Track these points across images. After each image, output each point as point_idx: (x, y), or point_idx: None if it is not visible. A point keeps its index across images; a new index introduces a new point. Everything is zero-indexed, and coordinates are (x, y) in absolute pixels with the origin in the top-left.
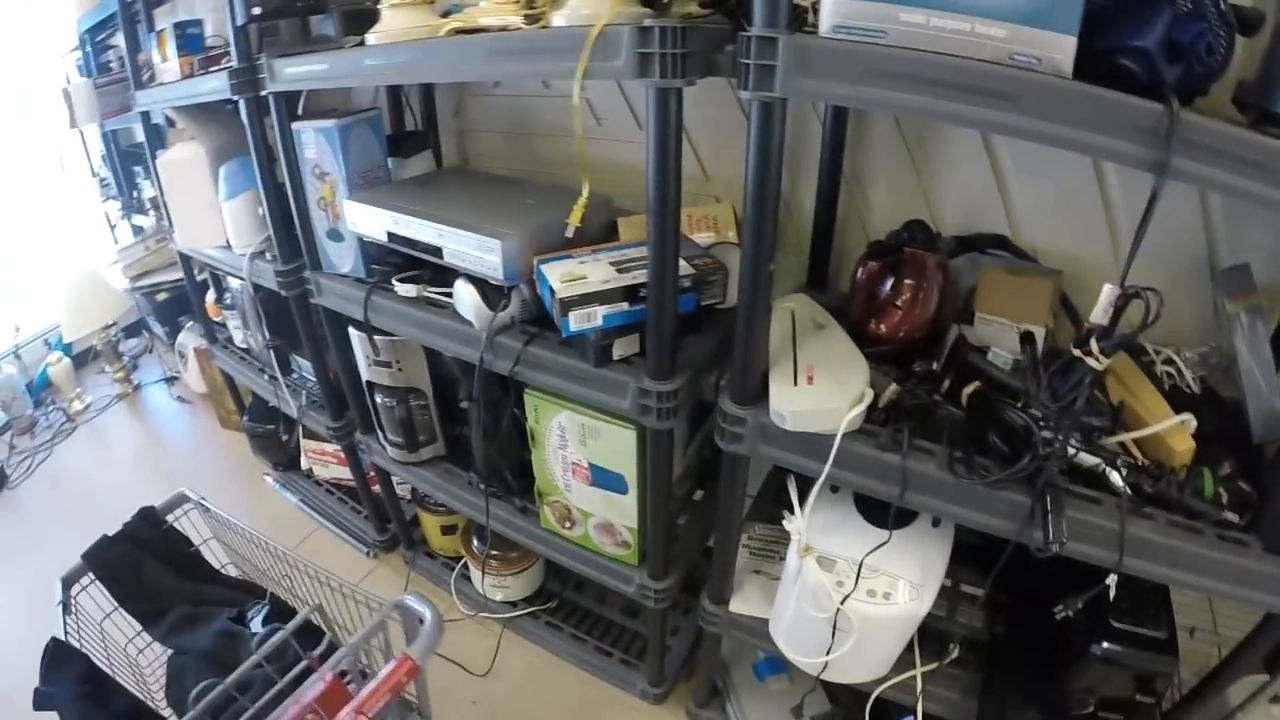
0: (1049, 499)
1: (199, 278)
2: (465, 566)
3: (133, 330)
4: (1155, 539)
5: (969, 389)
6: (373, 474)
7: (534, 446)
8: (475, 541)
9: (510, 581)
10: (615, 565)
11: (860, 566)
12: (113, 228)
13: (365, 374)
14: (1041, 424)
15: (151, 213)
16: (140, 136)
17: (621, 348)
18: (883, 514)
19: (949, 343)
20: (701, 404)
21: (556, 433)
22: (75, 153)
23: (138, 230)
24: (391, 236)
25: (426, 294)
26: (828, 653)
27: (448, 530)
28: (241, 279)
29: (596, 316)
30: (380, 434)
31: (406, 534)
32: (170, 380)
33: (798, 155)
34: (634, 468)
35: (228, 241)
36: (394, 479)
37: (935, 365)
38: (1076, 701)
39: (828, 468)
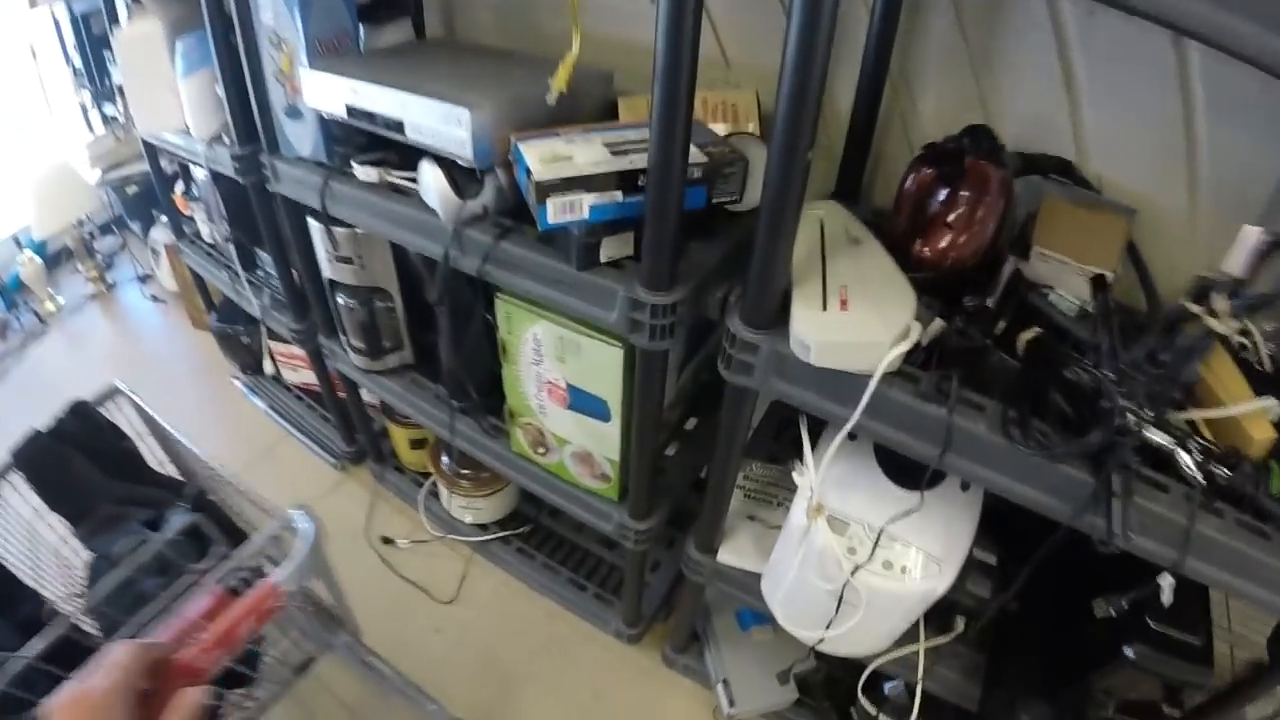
0: (1119, 483)
1: (170, 170)
2: (436, 484)
3: (109, 229)
4: (1222, 539)
5: (1027, 335)
6: (339, 380)
7: (505, 360)
8: (445, 459)
9: (481, 503)
10: (592, 499)
11: (880, 534)
12: (88, 119)
13: (326, 271)
14: (1117, 389)
15: (120, 100)
16: None
17: (611, 248)
18: (908, 471)
19: (1004, 277)
20: (703, 321)
21: (531, 346)
22: (48, 41)
23: (109, 120)
24: (351, 111)
25: (390, 179)
26: (828, 626)
27: (417, 445)
28: (202, 166)
29: (582, 207)
30: (343, 338)
31: (375, 446)
32: (144, 279)
33: (837, 48)
34: (619, 392)
35: (187, 126)
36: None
37: (989, 302)
38: (1096, 703)
39: (856, 416)
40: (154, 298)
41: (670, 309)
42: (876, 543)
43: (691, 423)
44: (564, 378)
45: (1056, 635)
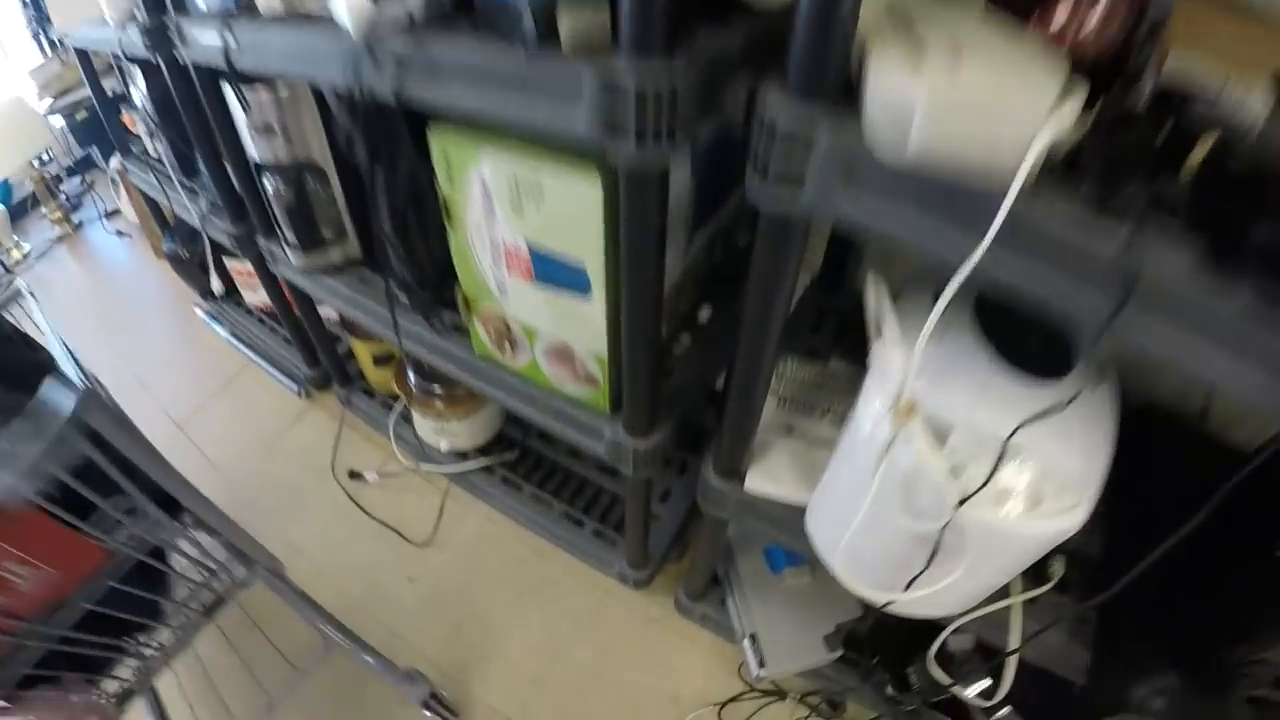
0: None
1: (115, 92)
2: (408, 408)
3: (75, 170)
4: None
5: (1203, 148)
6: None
7: (450, 225)
8: (412, 375)
9: (458, 427)
10: (577, 410)
11: (1005, 447)
12: (42, 49)
13: (252, 152)
14: None
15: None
16: None
17: (575, 18)
18: (1025, 349)
19: (1148, 80)
20: (718, 148)
21: (478, 195)
22: None
23: (55, 45)
24: None
25: (297, 4)
26: (909, 586)
27: (381, 361)
28: (119, 55)
29: None
30: (280, 233)
31: (339, 367)
32: (109, 215)
33: None
34: (599, 250)
35: (103, 13)
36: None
37: (1137, 105)
38: (1246, 677)
39: (989, 238)
40: (119, 232)
41: (669, 98)
42: (1000, 459)
43: (705, 313)
44: (524, 237)
45: (1190, 588)
